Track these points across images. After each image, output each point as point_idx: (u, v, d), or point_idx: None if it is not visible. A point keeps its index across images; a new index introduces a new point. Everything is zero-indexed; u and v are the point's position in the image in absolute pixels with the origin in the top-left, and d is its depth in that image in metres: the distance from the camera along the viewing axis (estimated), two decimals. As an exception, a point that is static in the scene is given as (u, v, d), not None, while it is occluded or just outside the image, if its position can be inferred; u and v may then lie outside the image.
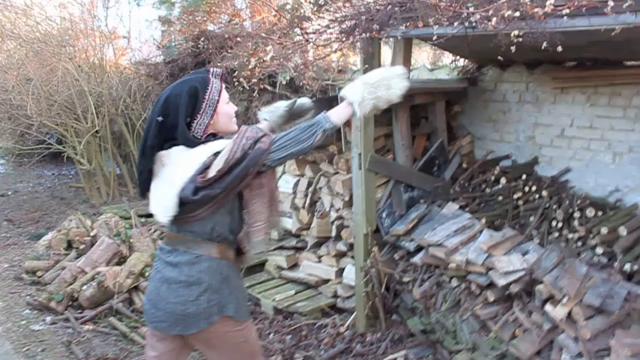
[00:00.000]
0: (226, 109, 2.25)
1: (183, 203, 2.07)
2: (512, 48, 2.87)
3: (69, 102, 7.79)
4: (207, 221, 2.15)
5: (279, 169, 5.78)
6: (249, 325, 2.34)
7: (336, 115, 2.19)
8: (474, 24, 2.93)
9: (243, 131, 2.09)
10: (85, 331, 4.16)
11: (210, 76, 2.22)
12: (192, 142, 2.14)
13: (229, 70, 4.99)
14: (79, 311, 4.48)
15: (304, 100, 2.65)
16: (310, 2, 3.81)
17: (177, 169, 2.11)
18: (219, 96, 2.20)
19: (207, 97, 2.17)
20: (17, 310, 4.61)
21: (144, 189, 2.25)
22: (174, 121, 2.12)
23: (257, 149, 2.05)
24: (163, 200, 2.11)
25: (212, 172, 2.03)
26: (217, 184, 2.05)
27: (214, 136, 2.23)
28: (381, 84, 2.23)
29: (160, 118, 2.13)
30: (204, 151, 2.10)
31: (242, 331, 2.28)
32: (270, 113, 2.56)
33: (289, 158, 2.16)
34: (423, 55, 9.67)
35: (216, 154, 2.08)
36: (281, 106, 2.57)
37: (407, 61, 4.51)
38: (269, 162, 2.09)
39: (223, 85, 2.26)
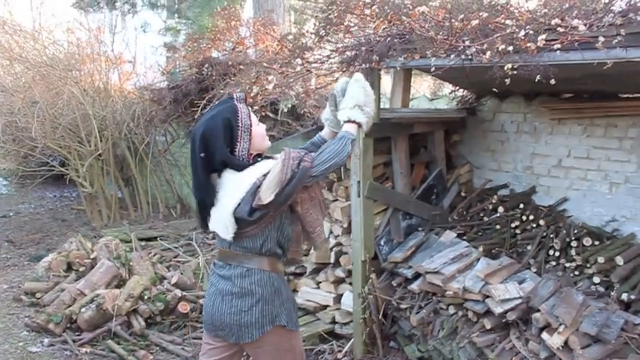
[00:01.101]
0: (258, 130, 2.39)
1: (239, 222, 2.23)
2: (507, 80, 2.95)
3: (73, 125, 7.88)
4: (257, 237, 2.31)
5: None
6: (298, 335, 2.52)
7: (352, 129, 2.38)
8: (469, 57, 3.02)
9: (288, 153, 2.24)
10: (82, 354, 4.16)
11: (236, 102, 2.34)
12: (240, 167, 2.28)
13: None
14: (77, 333, 4.47)
15: (338, 86, 2.66)
16: (312, 33, 3.90)
17: (229, 191, 2.26)
18: (250, 119, 2.34)
19: (240, 124, 2.30)
20: (15, 331, 4.61)
21: (204, 220, 2.39)
22: (217, 154, 2.26)
23: (302, 168, 2.21)
24: (222, 221, 2.26)
25: (265, 194, 2.17)
26: (271, 207, 2.21)
27: (259, 156, 2.39)
28: (367, 101, 2.43)
29: (202, 155, 2.27)
30: (253, 173, 2.25)
31: (291, 340, 2.44)
32: (326, 119, 2.63)
33: (331, 169, 2.33)
34: (424, 85, 9.81)
35: (265, 174, 2.22)
36: (328, 108, 2.64)
37: (406, 91, 4.61)
38: (314, 174, 2.25)
39: (250, 109, 2.40)
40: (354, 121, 2.38)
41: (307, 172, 2.22)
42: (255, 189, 2.20)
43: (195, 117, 5.94)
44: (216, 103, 2.49)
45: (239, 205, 2.20)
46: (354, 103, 2.39)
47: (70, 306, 4.62)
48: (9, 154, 9.24)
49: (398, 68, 3.79)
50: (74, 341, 4.33)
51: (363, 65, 3.60)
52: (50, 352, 4.23)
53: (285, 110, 5.54)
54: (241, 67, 5.91)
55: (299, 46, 4.05)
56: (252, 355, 2.50)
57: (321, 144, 2.54)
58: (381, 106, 4.16)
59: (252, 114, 2.38)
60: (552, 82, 2.94)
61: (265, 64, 4.38)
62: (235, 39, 7.04)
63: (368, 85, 2.48)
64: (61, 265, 5.48)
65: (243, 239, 2.31)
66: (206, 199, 2.32)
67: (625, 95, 4.23)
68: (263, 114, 4.67)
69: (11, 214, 9.11)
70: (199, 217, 2.42)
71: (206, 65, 6.77)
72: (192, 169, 2.33)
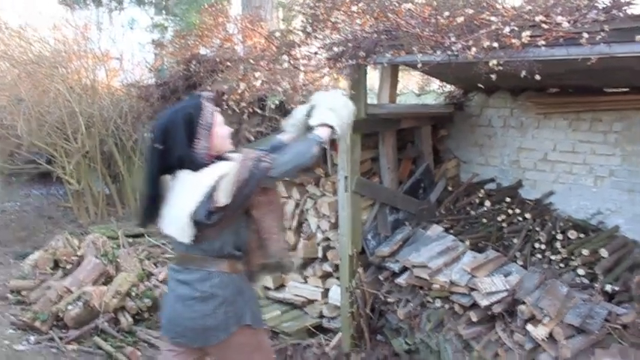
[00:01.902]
0: (221, 131, 2.33)
1: (197, 225, 2.17)
2: (493, 76, 2.98)
3: (60, 122, 7.80)
4: (216, 240, 2.25)
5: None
6: (264, 333, 2.50)
7: (323, 133, 2.35)
8: (455, 53, 3.04)
9: (246, 153, 2.21)
10: (69, 351, 4.13)
11: (203, 100, 2.29)
12: (197, 166, 2.21)
13: (220, 93, 5.06)
14: (63, 331, 4.43)
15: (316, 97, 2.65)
16: (299, 30, 3.90)
17: (186, 193, 2.19)
18: (213, 119, 2.28)
19: (202, 121, 2.24)
20: (0, 329, 4.55)
21: (146, 216, 2.33)
22: (174, 148, 2.20)
23: (261, 168, 2.17)
24: (178, 224, 2.19)
25: (222, 197, 2.13)
26: (228, 210, 2.16)
27: (219, 158, 2.30)
28: (344, 111, 2.44)
29: (159, 146, 2.21)
30: (210, 175, 2.19)
31: (257, 339, 2.41)
32: (293, 125, 2.60)
33: (293, 171, 2.30)
34: (412, 80, 9.83)
35: (223, 176, 2.16)
36: (300, 112, 2.60)
37: (393, 87, 4.63)
38: (274, 175, 2.21)
39: (216, 108, 2.34)
40: (327, 125, 2.36)
41: (266, 173, 2.17)
42: (213, 191, 2.15)
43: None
44: (184, 99, 2.46)
45: (197, 207, 2.14)
46: (329, 108, 2.40)
47: (56, 303, 4.59)
48: (-6, 151, 9.16)
49: (385, 64, 3.81)
50: (61, 339, 4.30)
51: (350, 61, 3.61)
52: (37, 350, 4.19)
53: (273, 106, 5.52)
54: (229, 63, 5.88)
55: (286, 43, 4.05)
56: (220, 358, 2.45)
57: (279, 147, 2.51)
58: (369, 102, 4.18)
59: (217, 114, 2.33)
60: (537, 77, 2.97)
61: (252, 61, 4.37)
62: (223, 36, 7.01)
63: (348, 100, 2.50)
64: (48, 262, 5.44)
65: (201, 242, 2.23)
66: (155, 195, 2.27)
67: (610, 90, 4.27)
68: (251, 110, 4.66)
69: (-3, 212, 9.02)
70: (144, 214, 2.34)
71: (194, 62, 6.74)
72: (147, 161, 2.28)
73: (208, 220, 2.14)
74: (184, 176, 2.22)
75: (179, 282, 2.30)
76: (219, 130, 2.31)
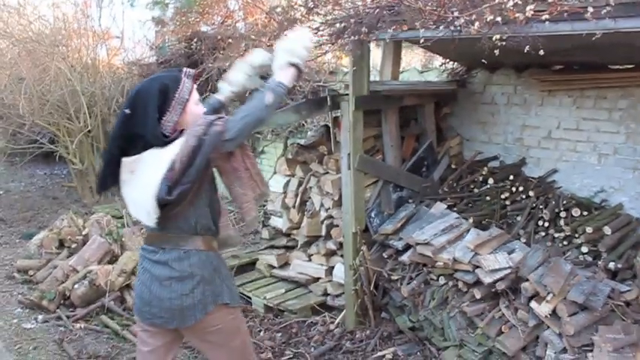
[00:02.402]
0: (195, 109, 2.26)
1: (162, 204, 2.09)
2: (497, 51, 2.94)
3: (61, 101, 7.79)
4: (189, 217, 2.20)
5: (270, 168, 5.82)
6: (240, 313, 2.45)
7: (283, 77, 2.27)
8: (458, 28, 3.00)
9: (196, 122, 2.13)
10: (76, 330, 4.19)
11: (183, 75, 2.24)
12: (159, 140, 2.14)
13: (222, 71, 5.02)
14: (70, 310, 4.50)
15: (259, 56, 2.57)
16: (300, 6, 3.85)
17: (148, 172, 2.11)
18: (189, 95, 2.22)
19: (177, 95, 2.18)
20: (9, 308, 4.62)
21: (103, 183, 2.26)
22: (142, 115, 2.13)
23: (212, 133, 2.09)
24: (143, 205, 2.12)
25: (176, 169, 2.07)
26: (185, 179, 2.08)
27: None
28: (299, 46, 2.33)
29: (127, 111, 2.15)
30: (172, 151, 2.11)
31: (235, 319, 2.38)
32: (232, 82, 2.53)
33: (249, 130, 2.20)
34: (415, 57, 9.75)
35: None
36: (245, 69, 2.54)
37: (396, 63, 4.60)
38: (229, 137, 2.11)
39: (194, 86, 2.28)
40: (287, 65, 2.27)
41: (220, 137, 2.09)
42: (172, 165, 2.08)
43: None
44: (164, 70, 2.41)
45: (159, 186, 2.07)
46: (285, 49, 2.31)
47: (62, 283, 4.64)
48: (-3, 131, 9.16)
49: (387, 40, 3.77)
50: (68, 317, 4.36)
51: (352, 37, 3.57)
52: (45, 328, 4.25)
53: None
54: (230, 40, 5.85)
55: (288, 19, 4.01)
56: (196, 342, 2.42)
57: (219, 107, 2.43)
58: (371, 79, 4.15)
59: (194, 92, 2.26)
60: (541, 52, 2.93)
61: (254, 37, 4.33)
62: (224, 12, 6.96)
63: (303, 30, 2.43)
64: (53, 242, 5.48)
65: (176, 220, 2.18)
66: (118, 151, 2.17)
67: (615, 66, 4.23)
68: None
69: (1, 192, 9.06)
70: (103, 175, 2.25)
71: (195, 39, 6.71)
72: (116, 125, 2.21)
73: (169, 196, 2.06)
74: (148, 157, 2.14)
75: (154, 262, 2.25)
76: (193, 108, 2.24)
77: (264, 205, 5.09)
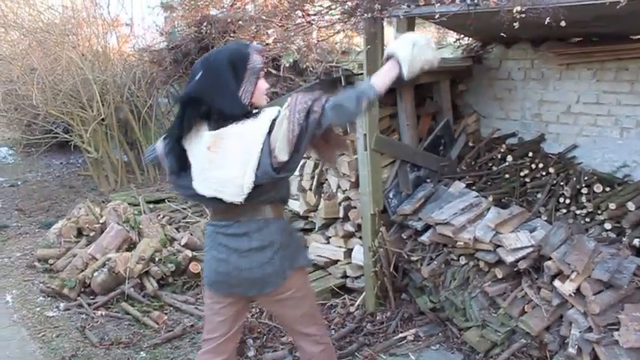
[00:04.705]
0: (263, 85, 2.24)
1: (261, 181, 2.10)
2: (516, 24, 2.86)
3: (74, 91, 7.79)
4: (271, 190, 2.21)
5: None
6: (308, 275, 2.53)
7: (381, 81, 2.19)
8: (475, 1, 2.91)
9: (293, 105, 2.08)
10: (98, 317, 4.22)
11: (251, 50, 2.21)
12: (240, 110, 2.12)
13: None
14: (91, 297, 4.54)
15: None
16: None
17: (239, 147, 2.09)
18: (261, 68, 2.20)
19: (249, 65, 2.16)
20: (31, 297, 4.67)
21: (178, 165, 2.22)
22: (216, 85, 2.11)
23: (312, 120, 2.07)
24: (234, 181, 2.09)
25: (280, 154, 2.06)
26: (292, 164, 2.12)
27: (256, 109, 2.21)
28: (428, 46, 2.24)
29: (199, 77, 2.11)
30: (260, 128, 2.09)
31: (307, 281, 2.49)
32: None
33: (342, 124, 2.32)
34: (428, 35, 9.62)
35: (270, 130, 2.09)
36: None
37: (411, 41, 4.49)
38: (324, 125, 2.09)
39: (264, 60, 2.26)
40: (396, 60, 2.18)
41: (317, 124, 2.07)
42: (268, 147, 2.07)
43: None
44: (231, 43, 2.37)
45: (259, 162, 2.06)
46: (413, 40, 2.19)
47: (82, 271, 4.67)
48: (12, 122, 9.21)
49: (401, 17, 3.68)
50: (89, 304, 4.39)
51: (365, 15, 3.50)
52: (67, 316, 4.29)
53: (287, 65, 5.43)
54: (240, 23, 5.78)
55: (299, -2, 3.94)
56: (274, 307, 2.47)
57: None
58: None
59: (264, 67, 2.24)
60: (562, 24, 2.84)
61: (265, 18, 4.27)
62: (234, -5, 6.87)
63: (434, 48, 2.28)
64: (72, 231, 5.51)
65: (259, 195, 2.16)
66: (189, 125, 2.14)
67: (637, 37, 4.11)
68: (265, 70, 4.58)
69: (19, 183, 9.14)
70: (172, 153, 2.21)
71: (205, 23, 6.63)
72: (186, 89, 2.16)
73: (278, 174, 2.08)
74: (231, 132, 2.11)
75: (230, 236, 2.26)
76: (261, 84, 2.22)
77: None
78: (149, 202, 6.44)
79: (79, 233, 5.54)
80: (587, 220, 3.86)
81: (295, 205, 4.83)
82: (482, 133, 5.04)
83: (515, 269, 3.42)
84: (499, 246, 3.49)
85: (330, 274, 4.58)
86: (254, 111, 2.18)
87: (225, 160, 2.11)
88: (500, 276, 3.49)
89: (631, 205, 3.65)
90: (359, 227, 4.25)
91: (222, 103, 2.11)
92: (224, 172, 2.11)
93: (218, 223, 2.31)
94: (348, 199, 4.41)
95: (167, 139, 2.24)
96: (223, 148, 2.11)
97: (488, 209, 3.88)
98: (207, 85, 2.13)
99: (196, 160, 2.18)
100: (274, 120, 2.11)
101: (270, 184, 2.17)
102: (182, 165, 2.21)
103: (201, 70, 2.15)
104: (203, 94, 2.12)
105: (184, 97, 2.18)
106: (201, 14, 6.79)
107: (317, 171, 4.59)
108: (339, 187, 4.44)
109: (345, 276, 4.47)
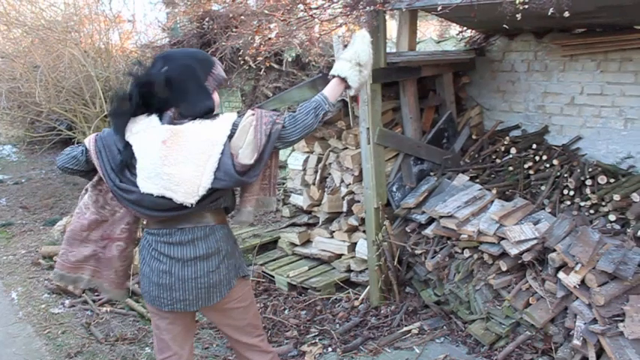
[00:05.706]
0: (217, 97, 2.24)
1: (214, 185, 2.05)
2: (518, 15, 2.84)
3: (77, 88, 7.80)
4: (220, 197, 2.18)
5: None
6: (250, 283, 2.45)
7: (332, 96, 2.24)
8: (479, -8, 2.90)
9: (259, 116, 2.10)
10: (103, 313, 4.24)
11: (215, 60, 2.26)
12: (200, 107, 2.10)
13: (235, 50, 4.96)
14: (96, 294, 4.54)
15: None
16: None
17: (197, 146, 2.00)
18: (223, 79, 2.24)
19: (215, 71, 2.20)
20: (36, 294, 4.69)
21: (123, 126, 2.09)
22: (184, 80, 2.10)
23: (275, 131, 2.10)
24: (189, 180, 1.99)
25: (244, 159, 2.04)
26: (253, 172, 2.10)
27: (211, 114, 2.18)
28: (368, 63, 2.29)
29: (165, 69, 2.08)
30: (219, 127, 2.06)
31: (250, 290, 2.41)
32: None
33: (297, 142, 2.22)
34: (430, 28, 9.58)
35: (230, 135, 2.06)
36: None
37: (413, 34, 4.49)
38: (282, 142, 2.14)
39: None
40: (344, 80, 2.23)
41: (279, 136, 2.11)
42: (229, 150, 2.04)
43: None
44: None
45: (218, 165, 2.00)
46: (355, 60, 2.24)
47: (87, 267, 4.67)
48: (15, 120, 9.23)
49: (404, 10, 3.66)
50: (94, 301, 4.41)
51: (368, 8, 3.49)
52: (72, 313, 4.30)
53: (290, 60, 5.43)
54: (242, 18, 5.77)
55: (300, -8, 3.93)
56: (218, 319, 2.36)
57: None
58: (388, 51, 4.06)
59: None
60: (566, 14, 2.82)
61: (267, 12, 4.25)
62: (235, -11, 6.86)
63: (371, 47, 2.32)
64: (76, 227, 5.51)
65: (204, 199, 2.07)
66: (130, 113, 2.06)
67: (640, 27, 4.08)
68: (267, 65, 4.58)
69: (23, 180, 9.16)
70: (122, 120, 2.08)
71: (207, 19, 6.64)
72: (138, 85, 2.06)
73: (240, 177, 2.03)
74: (192, 129, 2.03)
75: (173, 245, 2.14)
76: (216, 96, 2.22)
77: (283, 183, 5.06)
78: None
79: (84, 230, 5.53)
80: (592, 211, 3.84)
81: (299, 200, 4.83)
82: (485, 125, 5.02)
83: (520, 261, 3.42)
84: (503, 238, 3.49)
85: (334, 268, 4.59)
86: (213, 113, 2.17)
87: (180, 157, 1.99)
88: (504, 268, 3.48)
89: (635, 197, 3.64)
90: (363, 221, 4.25)
91: (185, 99, 2.09)
92: (178, 169, 1.99)
93: (158, 231, 2.17)
94: (351, 193, 4.41)
95: (115, 119, 2.08)
96: (180, 145, 2.01)
97: (492, 202, 3.87)
98: (172, 76, 2.07)
99: (145, 154, 2.02)
100: (234, 124, 2.10)
101: (223, 190, 2.13)
102: (127, 158, 2.06)
103: (164, 64, 2.10)
104: (165, 86, 2.05)
105: (143, 78, 2.07)
106: (203, 9, 6.79)
107: (320, 165, 4.58)
108: (342, 181, 4.44)
109: (349, 270, 4.47)
